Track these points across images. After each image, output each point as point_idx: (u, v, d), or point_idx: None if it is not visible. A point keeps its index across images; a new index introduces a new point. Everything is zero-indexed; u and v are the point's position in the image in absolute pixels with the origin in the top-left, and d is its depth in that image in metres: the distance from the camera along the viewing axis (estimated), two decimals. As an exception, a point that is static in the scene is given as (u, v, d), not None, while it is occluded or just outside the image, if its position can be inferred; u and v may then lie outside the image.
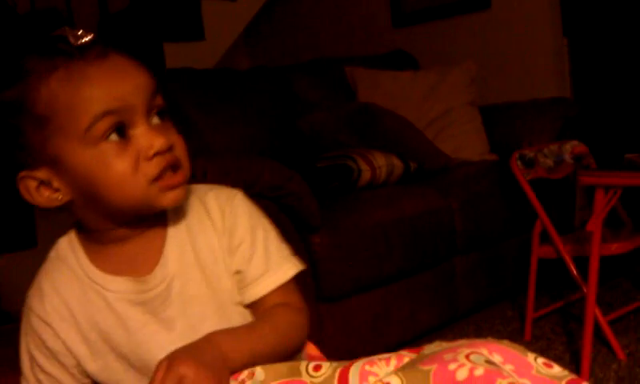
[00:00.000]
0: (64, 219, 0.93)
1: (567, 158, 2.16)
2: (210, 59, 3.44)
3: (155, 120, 0.86)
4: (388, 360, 0.80)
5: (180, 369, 0.77)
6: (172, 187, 0.85)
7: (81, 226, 0.92)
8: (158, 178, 0.84)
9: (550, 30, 3.15)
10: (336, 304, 2.02)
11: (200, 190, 0.97)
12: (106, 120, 0.81)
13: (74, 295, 0.91)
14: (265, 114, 2.72)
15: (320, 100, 2.90)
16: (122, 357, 0.91)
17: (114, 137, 0.82)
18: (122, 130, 0.82)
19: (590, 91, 3.16)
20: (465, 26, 3.35)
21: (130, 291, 0.90)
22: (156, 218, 0.91)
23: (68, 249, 0.93)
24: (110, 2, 3.45)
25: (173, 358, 0.79)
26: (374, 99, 2.82)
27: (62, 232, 0.97)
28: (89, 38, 0.82)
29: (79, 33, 0.82)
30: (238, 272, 0.94)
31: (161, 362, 0.80)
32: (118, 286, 0.90)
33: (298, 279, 0.98)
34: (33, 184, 0.85)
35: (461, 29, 3.37)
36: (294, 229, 1.92)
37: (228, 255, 0.93)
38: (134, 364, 0.92)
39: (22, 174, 0.85)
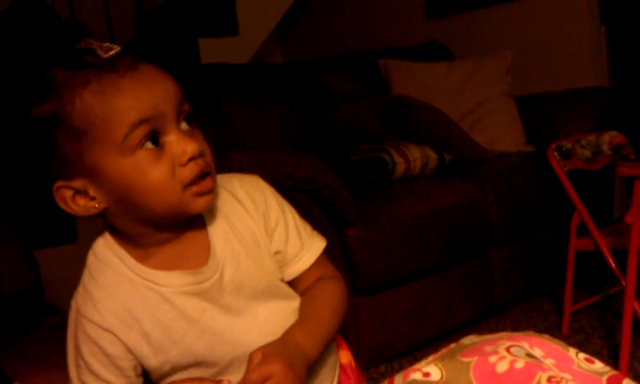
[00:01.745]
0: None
1: (605, 148, 2.12)
2: (244, 54, 3.46)
3: (184, 125, 0.88)
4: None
5: (271, 366, 0.85)
6: (204, 193, 0.88)
7: (114, 229, 0.94)
8: (191, 183, 0.87)
9: (588, 17, 3.09)
10: (371, 297, 2.02)
11: (222, 180, 1.00)
12: (141, 128, 0.83)
13: (129, 295, 0.92)
14: (298, 108, 2.73)
15: (354, 93, 2.90)
16: (186, 349, 0.93)
17: (148, 144, 0.84)
18: (155, 137, 0.85)
19: (629, 80, 3.10)
20: (500, 15, 3.31)
21: (187, 284, 0.93)
22: (193, 219, 0.94)
23: (108, 251, 0.94)
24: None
25: (266, 354, 0.87)
26: (408, 91, 2.80)
27: (101, 228, 0.98)
28: (116, 50, 0.85)
29: (106, 45, 0.84)
30: (277, 252, 1.00)
31: (254, 354, 0.87)
32: (172, 280, 0.92)
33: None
34: (69, 194, 0.87)
35: (496, 18, 3.33)
36: (328, 222, 1.93)
37: (266, 237, 0.99)
38: (198, 354, 0.94)
39: (58, 184, 0.87)
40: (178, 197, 0.86)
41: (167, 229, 0.92)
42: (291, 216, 1.03)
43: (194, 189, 0.87)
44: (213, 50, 3.29)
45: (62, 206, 0.88)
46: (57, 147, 0.84)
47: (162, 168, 0.84)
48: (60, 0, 3.39)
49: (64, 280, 1.01)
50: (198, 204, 0.88)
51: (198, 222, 0.95)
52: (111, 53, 0.84)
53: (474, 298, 2.28)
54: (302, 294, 1.03)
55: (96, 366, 0.92)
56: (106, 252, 0.94)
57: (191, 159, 0.86)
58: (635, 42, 3.09)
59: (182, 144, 0.85)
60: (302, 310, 0.99)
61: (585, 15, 3.09)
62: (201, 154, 0.87)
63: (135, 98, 0.82)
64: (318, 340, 0.94)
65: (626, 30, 3.11)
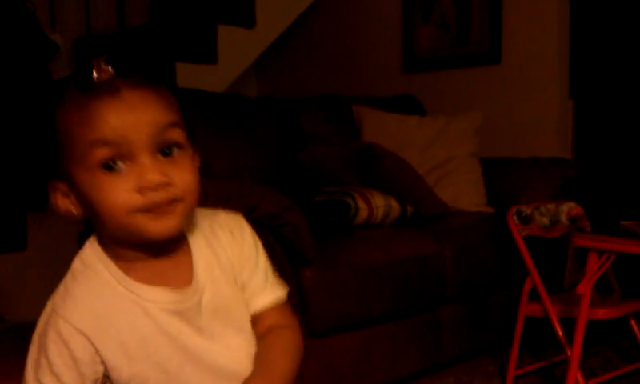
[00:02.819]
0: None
1: (563, 218, 2.18)
2: (220, 83, 3.47)
3: (159, 156, 0.90)
4: None
5: None
6: (158, 218, 0.89)
7: (100, 239, 0.97)
8: (145, 209, 0.89)
9: (557, 90, 3.19)
10: (320, 340, 2.02)
11: (206, 213, 1.04)
12: (103, 149, 0.87)
13: (111, 302, 0.94)
14: (269, 143, 2.75)
15: (325, 135, 2.93)
16: (158, 365, 0.94)
17: (110, 166, 0.88)
18: (117, 162, 0.88)
19: (591, 155, 3.20)
20: (474, 77, 3.40)
21: (169, 301, 0.95)
22: (176, 240, 0.96)
23: (95, 259, 0.96)
24: (129, 17, 3.49)
25: None
26: (379, 140, 2.84)
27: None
28: (108, 75, 0.89)
29: (105, 67, 0.89)
30: (242, 287, 1.03)
31: None
32: (156, 295, 0.95)
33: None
34: (58, 192, 0.94)
35: (469, 80, 3.41)
36: (286, 259, 1.93)
37: (238, 270, 1.02)
38: (169, 370, 0.95)
39: (53, 181, 0.93)
40: (130, 220, 0.89)
41: (147, 248, 0.94)
42: (263, 257, 1.06)
43: (148, 214, 0.89)
44: (190, 76, 3.30)
45: (52, 200, 0.94)
46: (55, 150, 0.92)
47: (119, 190, 0.88)
48: (41, 9, 3.38)
49: (9, 289, 1.00)
50: (154, 227, 0.90)
51: (183, 245, 0.98)
52: (103, 76, 0.89)
53: (420, 352, 2.29)
54: (258, 337, 1.03)
55: (60, 367, 0.92)
56: (92, 258, 0.96)
57: (148, 188, 0.88)
58: (600, 119, 3.19)
59: (142, 173, 0.88)
60: (261, 360, 1.00)
61: (554, 87, 3.19)
62: (164, 185, 0.89)
63: (102, 120, 0.87)
64: None
65: (592, 107, 3.21)
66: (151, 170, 0.88)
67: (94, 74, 0.89)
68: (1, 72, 2.85)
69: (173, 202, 0.90)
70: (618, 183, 3.09)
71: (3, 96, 2.87)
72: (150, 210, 0.89)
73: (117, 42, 3.31)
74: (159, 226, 0.90)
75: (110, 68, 0.89)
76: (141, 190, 0.88)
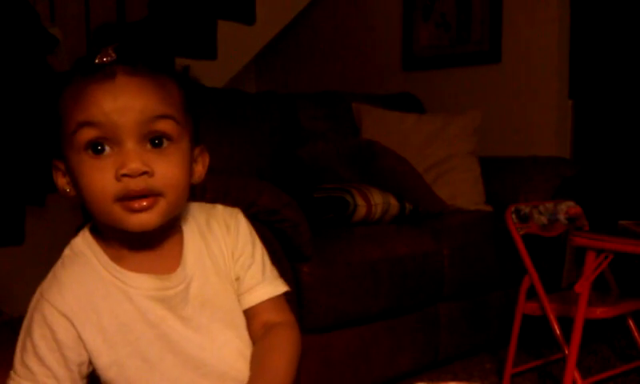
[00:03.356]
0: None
1: (561, 217, 2.18)
2: (220, 79, 3.47)
3: (147, 146, 0.90)
4: None
5: None
6: (136, 210, 0.89)
7: (94, 228, 0.98)
8: (122, 198, 0.88)
9: (557, 90, 3.19)
10: (317, 336, 2.01)
11: (205, 206, 1.05)
12: (87, 130, 0.88)
13: (95, 287, 0.94)
14: (268, 138, 2.75)
15: (324, 132, 2.92)
16: (138, 352, 0.94)
17: (94, 149, 0.88)
18: (102, 145, 0.88)
19: (590, 155, 3.20)
20: (473, 76, 3.40)
21: (152, 288, 0.95)
22: (167, 230, 0.97)
23: (85, 247, 0.97)
24: (129, 12, 3.48)
25: None
26: (378, 137, 2.84)
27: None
28: (108, 58, 0.90)
29: (108, 52, 0.90)
30: (237, 279, 1.02)
31: None
32: (140, 282, 0.95)
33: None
34: (58, 171, 0.95)
35: (469, 79, 3.41)
36: (284, 255, 1.93)
37: (232, 262, 1.02)
38: (148, 358, 0.95)
39: (54, 160, 0.94)
40: (108, 208, 0.89)
41: (135, 237, 0.93)
42: (260, 252, 1.05)
43: (124, 204, 0.88)
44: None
45: (54, 178, 0.95)
46: (56, 131, 0.92)
47: (99, 176, 0.88)
48: (41, 2, 3.37)
49: (7, 282, 1.00)
50: (130, 220, 0.89)
51: (176, 236, 0.99)
52: (103, 59, 0.90)
53: (418, 349, 2.29)
54: (254, 335, 1.02)
55: (43, 349, 0.92)
56: (82, 246, 0.97)
57: (127, 176, 0.87)
58: (599, 119, 3.19)
59: (123, 159, 0.88)
60: (259, 363, 0.99)
61: (554, 87, 3.19)
62: (142, 174, 0.88)
63: (92, 102, 0.87)
64: None
65: (591, 107, 3.21)
66: (133, 157, 0.87)
67: (97, 58, 0.89)
68: (0, 65, 2.84)
69: (151, 195, 0.89)
70: (616, 183, 3.09)
71: (2, 89, 2.86)
72: (126, 198, 0.88)
73: (135, 33, 3.31)
74: (135, 220, 0.89)
75: (113, 54, 0.89)
76: (119, 177, 0.87)
